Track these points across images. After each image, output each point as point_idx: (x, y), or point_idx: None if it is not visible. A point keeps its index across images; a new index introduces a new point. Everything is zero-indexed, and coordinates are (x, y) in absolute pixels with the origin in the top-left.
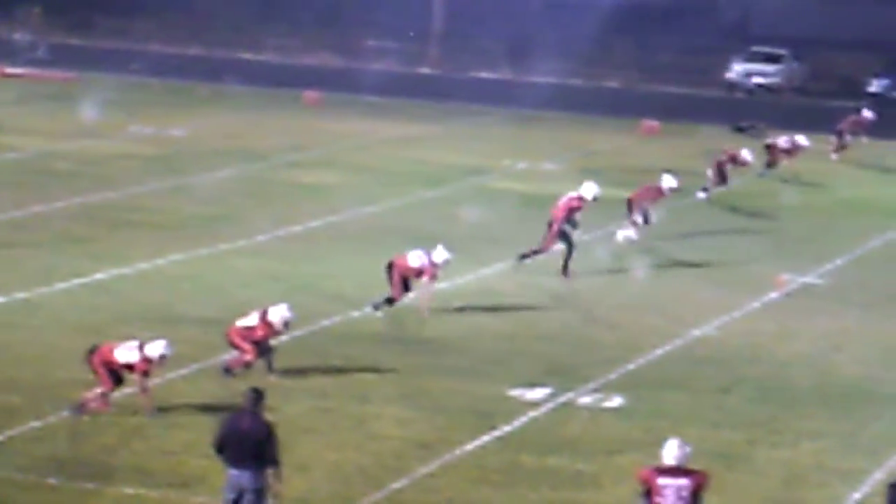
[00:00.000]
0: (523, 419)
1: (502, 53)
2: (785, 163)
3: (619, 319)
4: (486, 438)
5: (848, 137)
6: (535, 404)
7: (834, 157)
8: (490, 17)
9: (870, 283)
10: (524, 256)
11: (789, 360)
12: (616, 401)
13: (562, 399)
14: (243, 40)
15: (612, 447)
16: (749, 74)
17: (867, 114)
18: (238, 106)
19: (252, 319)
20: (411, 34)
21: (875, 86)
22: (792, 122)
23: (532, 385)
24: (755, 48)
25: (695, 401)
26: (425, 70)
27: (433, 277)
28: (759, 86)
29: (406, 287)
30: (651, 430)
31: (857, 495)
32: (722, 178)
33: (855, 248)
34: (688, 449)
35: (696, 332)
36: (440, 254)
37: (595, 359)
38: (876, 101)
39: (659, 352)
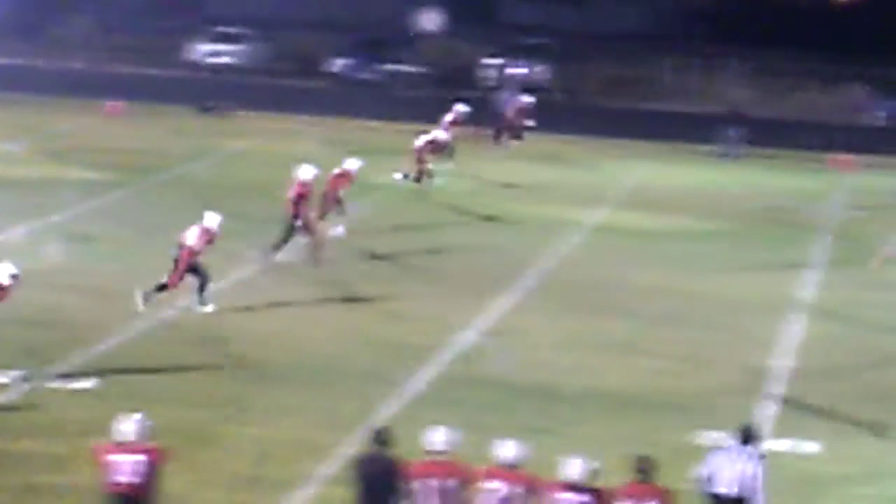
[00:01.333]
0: None
1: None
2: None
3: (89, 300)
4: None
5: (519, 124)
6: (5, 387)
7: (512, 143)
8: None
9: (336, 260)
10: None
11: (262, 338)
12: (88, 382)
13: (33, 382)
14: None
15: (84, 429)
16: (211, 54)
17: (526, 99)
18: None
19: None
20: None
21: (336, 66)
22: (258, 102)
23: (2, 368)
24: (217, 28)
25: (166, 380)
26: None
27: (208, 242)
28: (223, 66)
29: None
30: (123, 410)
31: (327, 470)
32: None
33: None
34: (146, 424)
35: (171, 311)
36: (211, 219)
37: (67, 341)
38: (337, 80)
39: (130, 333)
